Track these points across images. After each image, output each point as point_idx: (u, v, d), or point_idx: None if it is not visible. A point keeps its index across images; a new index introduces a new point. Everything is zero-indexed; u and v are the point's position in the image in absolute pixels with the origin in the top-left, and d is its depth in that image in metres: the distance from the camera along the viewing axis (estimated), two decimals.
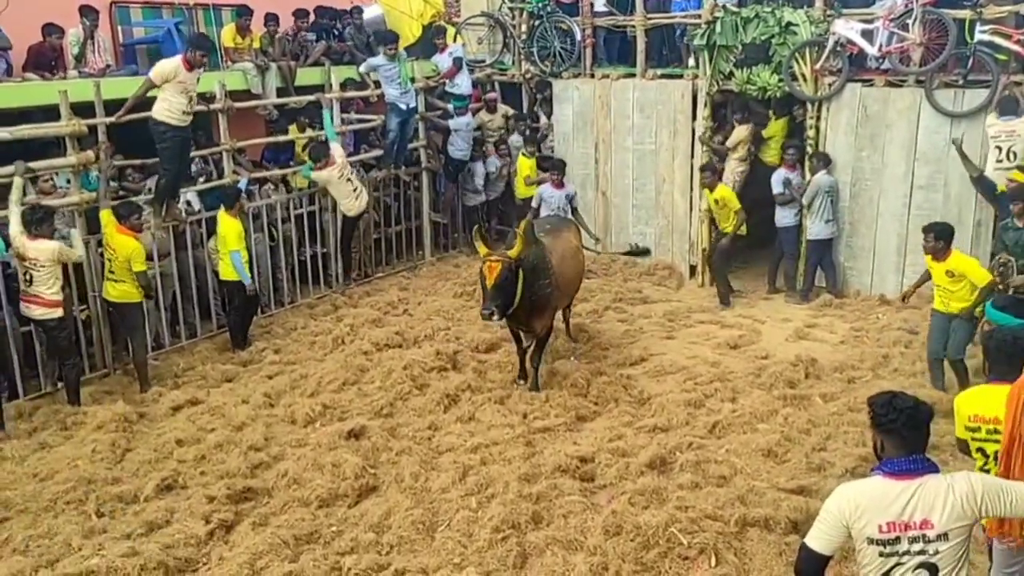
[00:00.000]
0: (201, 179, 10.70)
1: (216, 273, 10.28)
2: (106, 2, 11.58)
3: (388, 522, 6.45)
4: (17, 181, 8.37)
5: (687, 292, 12.42)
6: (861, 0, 11.37)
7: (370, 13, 14.06)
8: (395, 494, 6.86)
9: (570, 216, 11.28)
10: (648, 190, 13.00)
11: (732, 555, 5.87)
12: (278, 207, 11.34)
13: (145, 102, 9.30)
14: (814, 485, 6.68)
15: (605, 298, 11.71)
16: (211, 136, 11.21)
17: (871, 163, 11.19)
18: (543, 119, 14.12)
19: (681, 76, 12.51)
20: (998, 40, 10.10)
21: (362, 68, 12.46)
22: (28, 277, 8.21)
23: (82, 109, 9.12)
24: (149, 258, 9.21)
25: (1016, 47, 10.05)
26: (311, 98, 11.93)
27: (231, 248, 9.70)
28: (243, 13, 11.95)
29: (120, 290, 8.87)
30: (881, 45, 10.73)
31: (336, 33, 13.34)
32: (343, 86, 12.31)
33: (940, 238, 7.98)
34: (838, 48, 10.95)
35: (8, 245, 8.35)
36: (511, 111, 14.16)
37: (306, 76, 12.42)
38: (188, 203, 10.48)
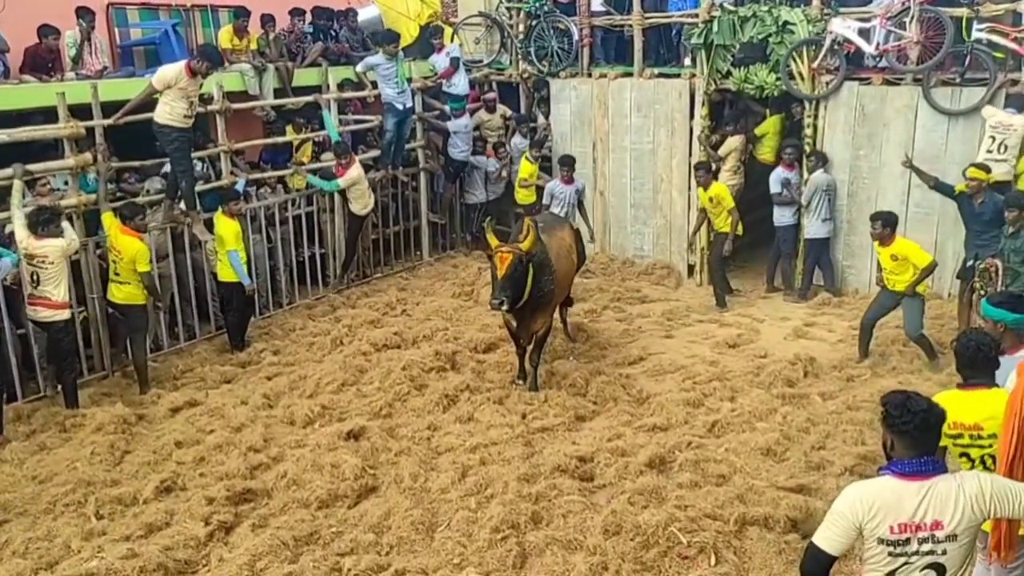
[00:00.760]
0: (200, 181, 10.69)
1: (215, 275, 10.27)
2: (103, 3, 11.57)
3: (387, 523, 6.45)
4: (16, 184, 8.37)
5: (685, 291, 12.42)
6: None
7: (367, 14, 14.07)
8: (394, 495, 6.86)
9: (576, 210, 11.42)
10: (646, 190, 13.00)
11: (732, 554, 5.87)
12: (276, 208, 11.33)
13: (143, 104, 9.29)
14: (813, 484, 6.69)
15: (603, 298, 11.71)
16: (209, 137, 11.19)
17: (869, 162, 11.20)
18: (541, 119, 14.11)
19: (678, 75, 12.52)
20: (995, 38, 10.14)
21: (359, 67, 12.45)
22: (35, 278, 8.21)
23: (79, 111, 9.11)
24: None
25: (1013, 45, 10.08)
26: (308, 99, 11.94)
27: (229, 248, 9.70)
28: (240, 14, 11.94)
29: (125, 292, 8.87)
30: (878, 43, 10.74)
31: (333, 34, 13.33)
32: (340, 87, 12.30)
33: (886, 225, 8.86)
34: (835, 47, 10.96)
35: (7, 245, 8.35)
36: (510, 112, 14.15)
37: (303, 77, 12.42)
38: None
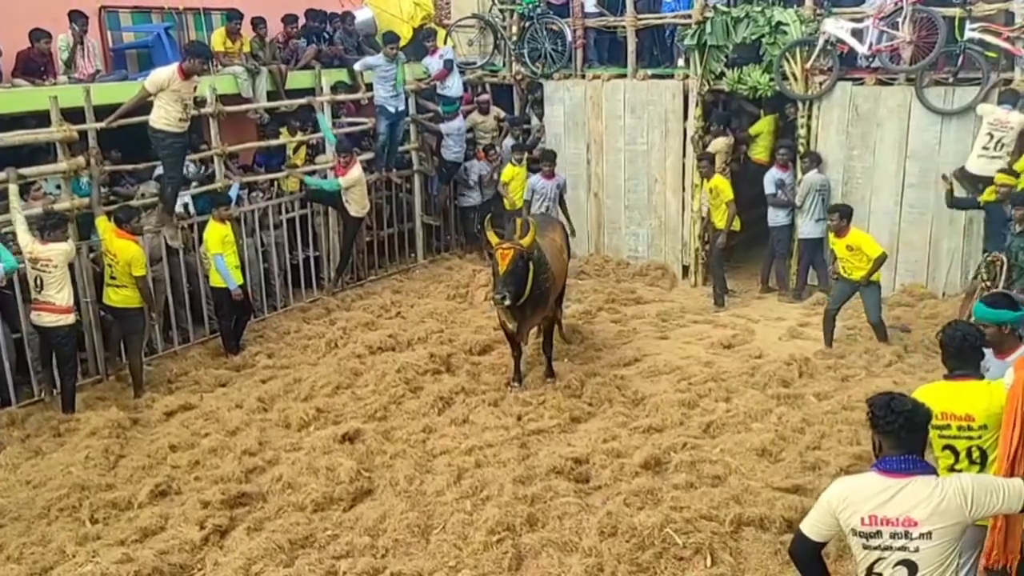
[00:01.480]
0: (194, 183, 10.68)
1: (208, 278, 10.27)
2: (95, 7, 11.53)
3: (383, 526, 6.44)
4: (12, 188, 8.36)
5: (680, 292, 12.43)
6: None
7: (360, 16, 14.06)
8: (390, 497, 6.85)
9: (557, 205, 11.58)
10: (640, 191, 13.01)
11: (727, 555, 5.87)
12: (270, 211, 11.31)
13: (136, 108, 9.27)
14: (809, 484, 6.68)
15: (598, 299, 11.71)
16: (203, 139, 11.17)
17: (862, 162, 11.22)
18: (535, 120, 14.11)
19: (672, 76, 12.54)
20: (988, 38, 10.17)
21: (358, 66, 12.43)
22: (39, 282, 8.20)
23: (72, 115, 9.09)
24: None
25: (1006, 44, 10.11)
26: (302, 102, 11.92)
27: (213, 252, 9.70)
28: (233, 17, 11.93)
29: (122, 295, 8.85)
30: (871, 44, 10.76)
31: (327, 36, 13.31)
32: (334, 89, 12.29)
33: (844, 217, 9.40)
34: (828, 47, 10.98)
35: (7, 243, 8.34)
36: (504, 114, 14.14)
37: (297, 80, 12.41)
38: (185, 207, 10.46)
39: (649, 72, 12.77)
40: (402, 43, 13.75)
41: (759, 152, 12.55)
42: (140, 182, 10.34)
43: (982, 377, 4.62)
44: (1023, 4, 9.99)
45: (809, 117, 11.48)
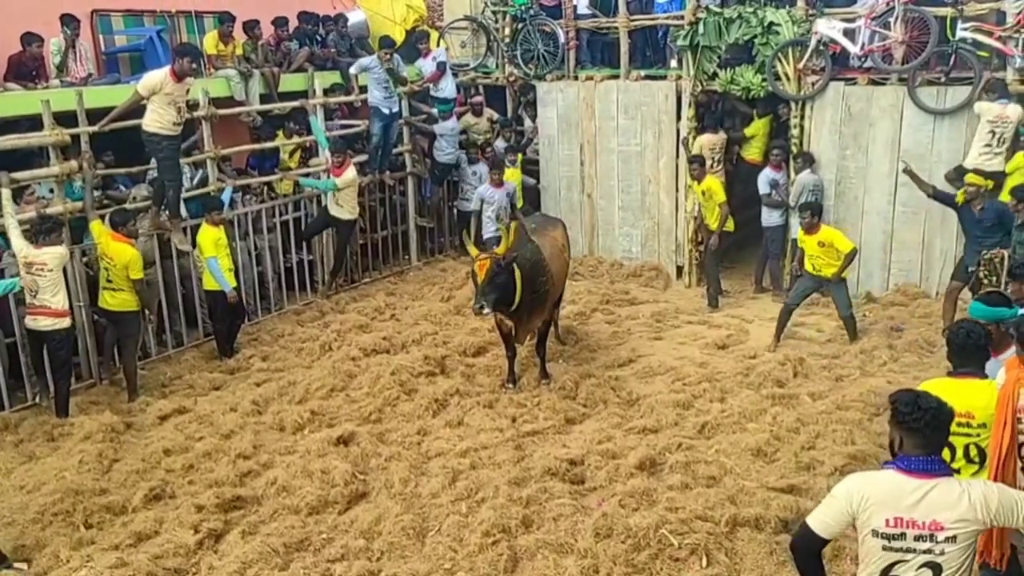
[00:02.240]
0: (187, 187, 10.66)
1: (201, 281, 10.26)
2: (87, 10, 11.52)
3: (378, 528, 6.43)
4: (5, 192, 8.33)
5: (674, 293, 12.44)
6: None
7: (353, 18, 14.06)
8: (385, 500, 6.84)
9: (509, 215, 11.60)
10: (634, 191, 13.01)
11: (723, 555, 5.87)
12: (263, 214, 11.30)
13: (129, 111, 9.25)
14: (804, 484, 6.69)
15: (592, 300, 11.71)
16: (196, 143, 11.14)
17: (855, 161, 11.24)
18: (527, 122, 14.12)
19: (665, 77, 12.55)
20: (980, 37, 10.19)
21: (353, 68, 12.43)
22: (33, 286, 8.17)
23: (65, 118, 9.07)
24: None
25: (997, 44, 10.14)
26: (295, 104, 11.91)
27: (207, 255, 9.69)
28: (225, 20, 11.91)
29: (119, 299, 8.84)
30: (863, 44, 10.78)
31: (319, 39, 13.30)
32: (327, 92, 12.28)
33: (815, 214, 9.66)
34: (821, 47, 10.99)
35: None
36: (497, 115, 14.14)
37: (289, 82, 12.39)
38: None
39: (642, 73, 12.78)
40: (395, 46, 13.76)
41: (752, 152, 12.55)
42: (133, 185, 10.30)
43: (985, 376, 4.62)
44: (1014, 3, 10.01)
45: (802, 117, 11.50)
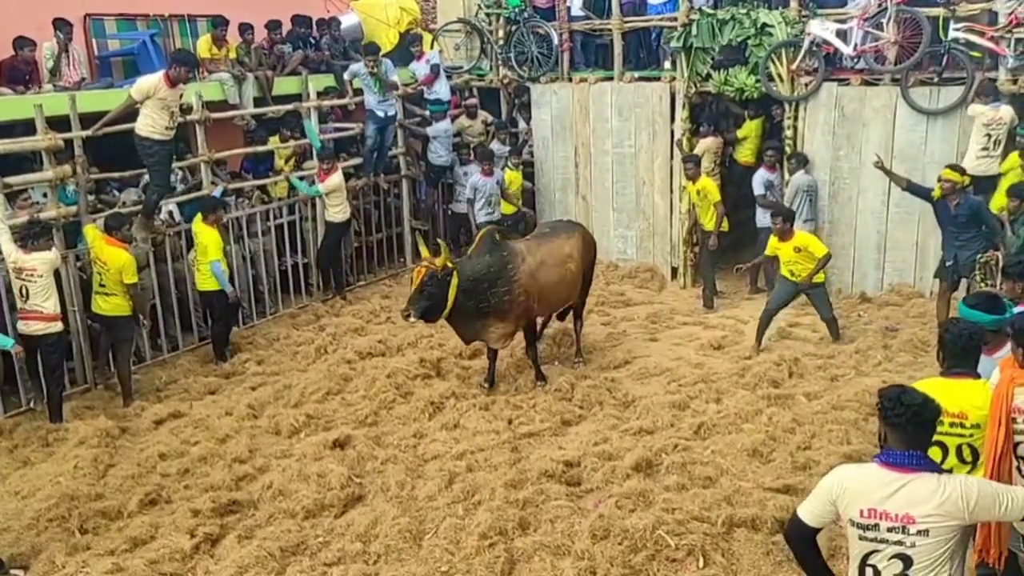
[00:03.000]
0: (179, 189, 10.65)
1: (195, 284, 10.25)
2: (80, 15, 11.50)
3: (375, 531, 6.42)
4: None
5: (669, 294, 12.45)
6: (835, 0, 11.44)
7: (347, 21, 14.04)
8: (381, 503, 6.84)
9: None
10: (628, 193, 13.03)
11: (719, 556, 5.88)
12: (258, 217, 11.28)
13: (122, 115, 9.24)
14: (800, 484, 6.70)
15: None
16: (189, 147, 11.14)
17: (849, 162, 11.26)
18: (522, 124, 14.12)
19: (659, 79, 12.56)
20: (972, 37, 10.22)
21: (346, 74, 12.47)
22: (24, 292, 8.16)
23: (57, 123, 9.05)
24: None
25: (989, 44, 10.16)
26: (289, 108, 11.90)
27: (212, 258, 9.66)
28: (219, 24, 11.87)
29: (112, 303, 8.81)
30: (856, 44, 10.81)
31: (313, 42, 13.29)
32: (321, 95, 12.27)
33: (787, 220, 9.56)
34: (814, 48, 11.02)
35: None
36: (492, 118, 14.14)
37: (283, 85, 12.37)
38: (170, 214, 10.43)
39: (636, 75, 12.79)
40: (389, 48, 13.78)
41: (745, 154, 12.58)
42: (123, 189, 10.28)
43: (979, 376, 4.63)
44: (1006, 4, 10.04)
45: (795, 118, 11.52)
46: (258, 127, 12.11)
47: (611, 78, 12.92)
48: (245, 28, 12.20)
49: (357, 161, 12.69)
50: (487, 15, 14.06)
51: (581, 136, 13.28)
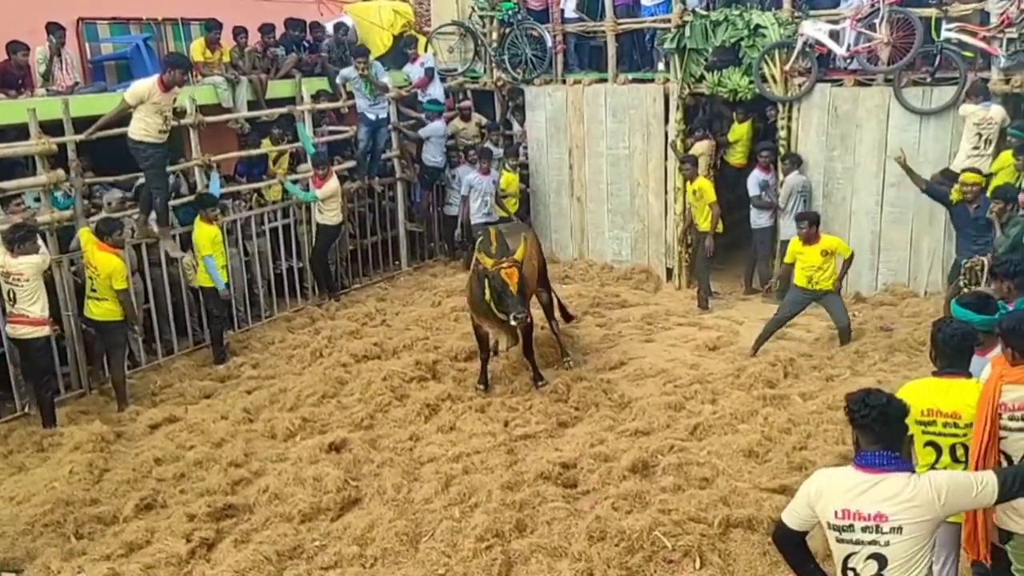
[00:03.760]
0: (173, 193, 10.61)
1: (192, 289, 10.24)
2: (73, 19, 11.47)
3: (371, 535, 6.41)
4: None
5: (664, 295, 12.46)
6: (828, 1, 11.47)
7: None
8: (378, 506, 6.83)
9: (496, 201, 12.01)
10: (623, 195, 13.04)
11: (716, 556, 5.88)
12: (252, 221, 11.27)
13: (116, 119, 9.22)
14: (796, 484, 6.62)
15: (583, 303, 11.72)
16: (182, 152, 11.11)
17: (843, 162, 11.29)
18: (516, 126, 14.13)
19: (652, 80, 12.58)
20: (964, 37, 10.26)
21: (338, 79, 12.47)
22: (11, 296, 8.14)
23: (51, 127, 9.03)
24: None
25: (982, 44, 10.20)
26: (283, 111, 11.89)
27: (204, 253, 9.70)
28: (212, 27, 11.86)
29: (103, 308, 8.78)
30: (849, 45, 10.84)
31: (307, 45, 13.28)
32: (315, 97, 12.26)
33: (813, 224, 9.36)
34: (807, 49, 11.05)
35: None
36: (486, 120, 14.15)
37: (277, 89, 12.36)
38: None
39: (629, 76, 12.82)
40: (382, 51, 13.78)
41: (736, 157, 12.62)
42: (107, 191, 10.25)
43: (971, 376, 4.64)
44: (998, 4, 10.08)
45: (789, 119, 11.54)
46: (252, 130, 12.11)
47: (605, 80, 12.94)
48: (239, 31, 12.18)
49: (351, 164, 12.68)
50: (481, 17, 14.06)
51: (575, 138, 13.29)
